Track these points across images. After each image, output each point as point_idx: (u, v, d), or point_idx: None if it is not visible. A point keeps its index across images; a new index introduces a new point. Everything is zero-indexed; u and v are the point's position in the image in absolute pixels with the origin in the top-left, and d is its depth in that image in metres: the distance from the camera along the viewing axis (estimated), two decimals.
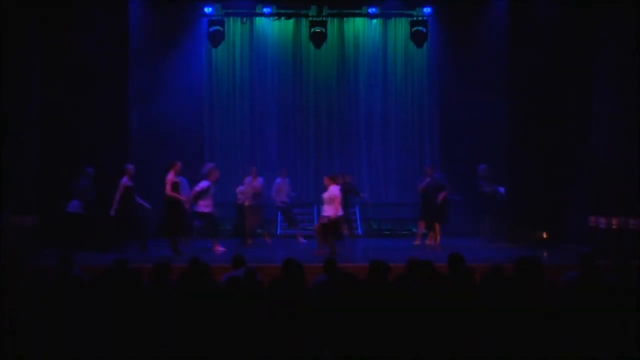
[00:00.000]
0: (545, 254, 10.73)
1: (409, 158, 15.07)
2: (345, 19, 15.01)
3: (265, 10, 14.66)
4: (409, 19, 14.80)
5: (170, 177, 10.78)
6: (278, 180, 12.75)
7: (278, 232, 13.91)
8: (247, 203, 12.10)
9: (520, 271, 5.79)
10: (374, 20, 15.01)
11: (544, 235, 12.22)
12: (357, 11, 14.92)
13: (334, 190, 10.57)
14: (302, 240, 12.58)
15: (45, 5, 11.12)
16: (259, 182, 12.33)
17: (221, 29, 14.40)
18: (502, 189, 12.57)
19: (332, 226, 10.57)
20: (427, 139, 15.11)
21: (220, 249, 11.05)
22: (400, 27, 15.07)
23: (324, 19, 14.53)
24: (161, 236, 11.00)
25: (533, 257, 5.93)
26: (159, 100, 14.11)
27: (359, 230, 13.99)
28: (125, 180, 11.03)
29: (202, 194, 11.08)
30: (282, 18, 14.94)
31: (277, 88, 15.02)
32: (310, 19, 14.56)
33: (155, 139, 13.88)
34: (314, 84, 15.04)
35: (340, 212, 10.58)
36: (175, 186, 10.79)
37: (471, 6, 14.15)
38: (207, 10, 14.48)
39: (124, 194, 10.98)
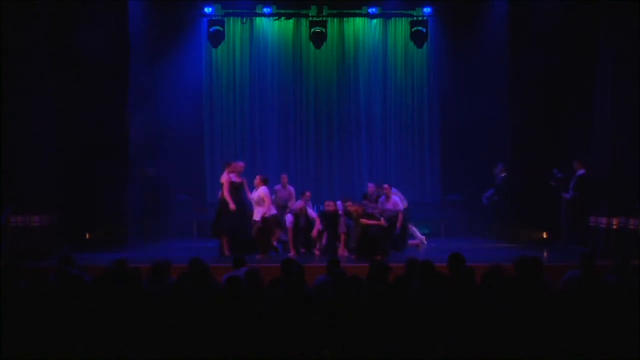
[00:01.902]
0: (545, 254, 10.72)
1: (409, 158, 15.07)
2: (345, 19, 14.98)
3: (265, 10, 14.64)
4: (409, 19, 14.80)
5: (225, 177, 10.56)
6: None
7: None
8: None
9: (520, 271, 5.79)
10: (374, 20, 15.00)
11: (544, 235, 12.22)
12: (357, 11, 14.90)
13: (262, 190, 10.34)
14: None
15: (44, 5, 11.09)
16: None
17: (221, 29, 14.41)
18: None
19: (267, 228, 10.34)
20: (427, 139, 15.10)
21: None
22: (400, 27, 15.05)
23: (324, 19, 14.53)
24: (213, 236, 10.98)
25: (533, 257, 5.94)
26: (159, 100, 14.11)
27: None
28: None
29: None
30: (282, 18, 14.93)
31: (277, 88, 15.01)
32: (310, 19, 14.57)
33: (155, 139, 13.86)
34: (314, 84, 15.02)
35: (272, 212, 10.34)
36: (234, 187, 10.53)
37: (471, 6, 14.14)
38: (207, 10, 14.49)
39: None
